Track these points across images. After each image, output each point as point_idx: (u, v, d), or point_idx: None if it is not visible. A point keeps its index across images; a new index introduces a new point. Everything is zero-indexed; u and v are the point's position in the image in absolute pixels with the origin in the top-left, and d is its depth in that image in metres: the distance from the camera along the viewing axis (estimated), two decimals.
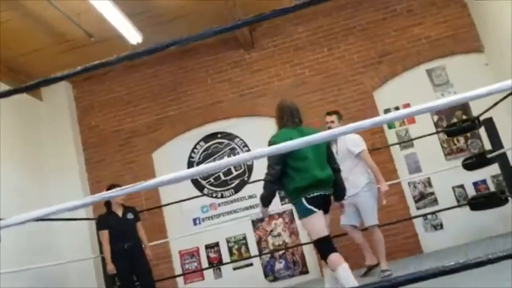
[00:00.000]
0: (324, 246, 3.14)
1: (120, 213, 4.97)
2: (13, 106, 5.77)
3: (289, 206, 6.08)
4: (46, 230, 5.66)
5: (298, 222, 6.04)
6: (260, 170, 6.09)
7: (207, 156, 6.48)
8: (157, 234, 6.00)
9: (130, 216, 4.96)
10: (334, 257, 3.06)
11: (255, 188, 6.13)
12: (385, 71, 6.35)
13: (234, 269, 5.99)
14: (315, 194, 3.18)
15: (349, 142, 4.46)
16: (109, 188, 4.91)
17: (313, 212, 3.15)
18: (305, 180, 3.19)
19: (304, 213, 3.16)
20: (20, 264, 4.44)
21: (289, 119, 3.38)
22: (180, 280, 6.03)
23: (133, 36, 5.60)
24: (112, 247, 4.81)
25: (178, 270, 6.10)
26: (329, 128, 4.54)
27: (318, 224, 3.16)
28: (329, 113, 4.74)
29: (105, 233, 4.88)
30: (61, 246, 5.92)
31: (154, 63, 6.84)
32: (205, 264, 6.10)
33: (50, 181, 6.18)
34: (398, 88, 6.28)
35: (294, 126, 3.35)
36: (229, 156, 6.32)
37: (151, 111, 6.75)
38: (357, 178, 4.41)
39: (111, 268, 4.78)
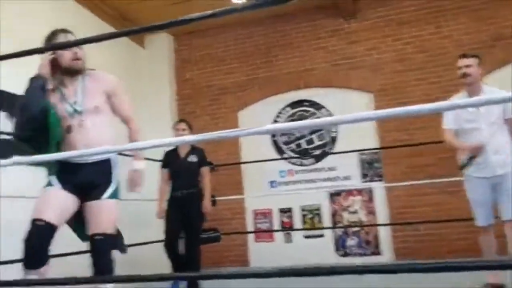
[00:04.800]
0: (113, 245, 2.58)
1: (183, 153, 4.37)
2: (119, 50, 6.12)
3: (370, 185, 5.95)
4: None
5: (377, 201, 5.90)
6: (344, 142, 6.04)
7: (292, 122, 6.47)
8: (234, 190, 6.19)
9: (193, 159, 4.34)
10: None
11: (337, 161, 6.06)
12: (497, 56, 5.82)
13: (305, 237, 6.03)
14: None
15: (506, 104, 3.11)
16: (177, 123, 4.61)
17: None
18: None
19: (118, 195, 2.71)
20: None
21: None
22: (251, 237, 6.21)
23: None
24: (170, 190, 4.33)
25: (250, 228, 6.28)
26: (464, 74, 3.36)
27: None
28: (465, 55, 3.46)
29: (163, 172, 4.38)
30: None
31: (249, 25, 6.84)
32: (276, 227, 6.20)
33: (143, 125, 6.49)
34: (510, 77, 5.75)
35: None
36: None
37: (242, 71, 6.82)
38: (508, 154, 3.24)
39: (158, 211, 4.30)
